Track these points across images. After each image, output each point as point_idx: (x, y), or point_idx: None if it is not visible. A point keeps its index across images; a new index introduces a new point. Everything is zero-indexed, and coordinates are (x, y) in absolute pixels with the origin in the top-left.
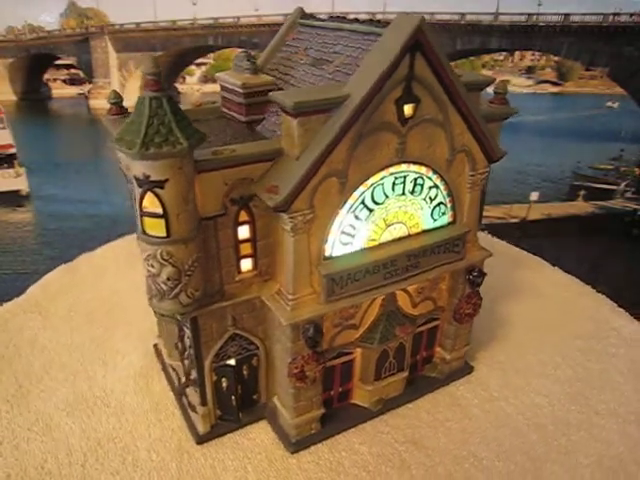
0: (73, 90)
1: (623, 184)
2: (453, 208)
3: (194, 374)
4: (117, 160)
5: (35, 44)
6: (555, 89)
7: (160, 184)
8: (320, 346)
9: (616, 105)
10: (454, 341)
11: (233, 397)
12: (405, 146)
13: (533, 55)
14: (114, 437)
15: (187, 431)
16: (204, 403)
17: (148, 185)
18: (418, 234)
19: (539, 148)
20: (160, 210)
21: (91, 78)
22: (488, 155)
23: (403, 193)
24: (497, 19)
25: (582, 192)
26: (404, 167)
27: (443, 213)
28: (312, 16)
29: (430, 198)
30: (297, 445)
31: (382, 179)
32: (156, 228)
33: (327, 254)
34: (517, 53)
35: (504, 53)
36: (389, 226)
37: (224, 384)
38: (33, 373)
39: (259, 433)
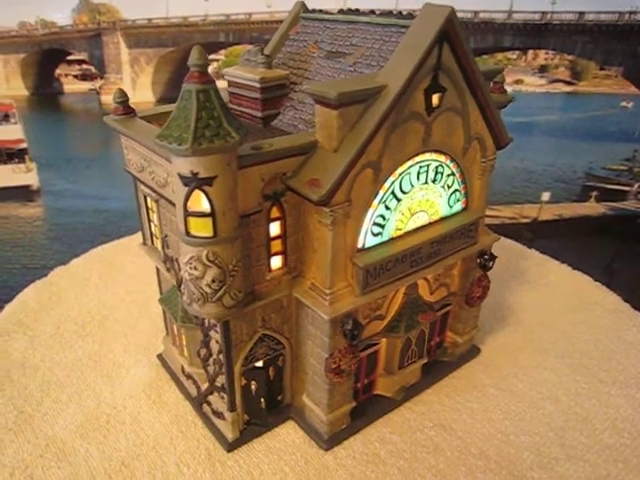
0: (85, 85)
1: (636, 185)
2: (466, 195)
3: (220, 380)
4: (126, 162)
5: (47, 39)
6: (568, 88)
7: (209, 181)
8: (359, 338)
9: (630, 105)
10: (465, 325)
11: (263, 400)
12: (430, 135)
13: (547, 54)
14: (137, 455)
15: (214, 440)
16: (233, 409)
17: (196, 183)
18: (437, 221)
19: (551, 148)
20: (208, 209)
21: (103, 74)
22: (497, 141)
23: (426, 181)
24: (510, 17)
25: (594, 193)
26: (427, 156)
27: (458, 200)
28: (320, 10)
29: (448, 185)
30: (330, 441)
31: (409, 168)
32: (203, 228)
33: (360, 246)
34: (530, 52)
35: (517, 52)
36: (413, 215)
37: (253, 387)
38: (31, 396)
39: (288, 434)
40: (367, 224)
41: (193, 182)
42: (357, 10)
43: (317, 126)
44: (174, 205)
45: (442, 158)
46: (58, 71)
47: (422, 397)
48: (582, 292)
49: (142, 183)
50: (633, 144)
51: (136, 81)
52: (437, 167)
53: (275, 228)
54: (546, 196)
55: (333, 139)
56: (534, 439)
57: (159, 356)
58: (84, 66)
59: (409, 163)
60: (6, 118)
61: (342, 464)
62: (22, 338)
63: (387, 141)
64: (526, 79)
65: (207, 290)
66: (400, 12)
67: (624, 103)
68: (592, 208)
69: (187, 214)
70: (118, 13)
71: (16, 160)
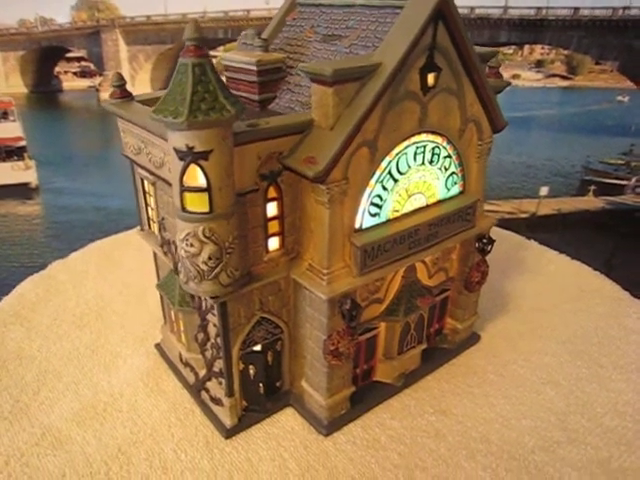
0: (84, 83)
1: (634, 179)
2: (463, 178)
3: (218, 365)
4: (124, 146)
5: (46, 37)
6: (565, 83)
7: (205, 155)
8: (358, 320)
9: (626, 99)
10: (464, 311)
11: (261, 385)
12: (426, 115)
13: (543, 49)
14: (134, 442)
15: (212, 427)
16: (231, 394)
17: (192, 157)
18: (435, 204)
19: (549, 142)
20: (204, 183)
21: (102, 71)
22: (493, 124)
23: (423, 163)
24: (506, 13)
25: (592, 187)
26: (424, 137)
27: (455, 183)
28: None
29: (445, 168)
30: (330, 427)
31: (406, 148)
32: (198, 204)
33: (357, 226)
34: (526, 47)
35: (513, 47)
36: (410, 196)
37: (251, 372)
38: (27, 386)
39: (287, 420)
40: (364, 204)
41: (189, 156)
42: None
43: (313, 105)
44: (171, 185)
45: (439, 139)
46: (57, 68)
47: (422, 383)
48: (581, 280)
49: (139, 166)
50: (630, 138)
51: (135, 77)
52: (434, 148)
53: (272, 208)
54: (544, 190)
55: (329, 117)
56: (535, 423)
57: (157, 345)
58: (83, 63)
59: (405, 143)
60: (5, 116)
61: (342, 449)
62: (19, 329)
63: (383, 120)
64: (523, 74)
65: (204, 267)
66: None
67: (620, 97)
68: (590, 202)
69: (183, 189)
70: (117, 10)
71: (15, 158)
